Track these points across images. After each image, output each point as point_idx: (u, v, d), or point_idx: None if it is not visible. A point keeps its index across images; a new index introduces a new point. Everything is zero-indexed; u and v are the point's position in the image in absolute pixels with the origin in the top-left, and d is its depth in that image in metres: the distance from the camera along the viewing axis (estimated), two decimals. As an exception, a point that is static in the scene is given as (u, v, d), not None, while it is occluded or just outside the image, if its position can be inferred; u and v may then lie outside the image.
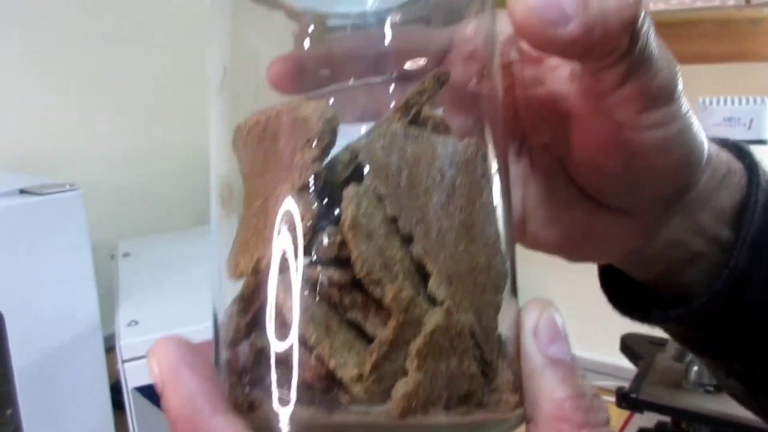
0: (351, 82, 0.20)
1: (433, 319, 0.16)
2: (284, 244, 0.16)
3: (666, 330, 0.30)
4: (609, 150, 0.23)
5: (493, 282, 0.18)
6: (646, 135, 0.22)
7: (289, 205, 0.16)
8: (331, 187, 0.17)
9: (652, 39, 0.20)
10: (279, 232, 0.16)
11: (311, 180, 0.16)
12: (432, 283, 0.17)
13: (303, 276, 0.16)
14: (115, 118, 1.18)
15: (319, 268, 0.16)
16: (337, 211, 0.16)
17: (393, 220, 0.17)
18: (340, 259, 0.16)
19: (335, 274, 0.16)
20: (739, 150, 0.28)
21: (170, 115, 1.28)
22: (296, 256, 0.16)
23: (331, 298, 0.16)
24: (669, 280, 0.28)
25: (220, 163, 0.20)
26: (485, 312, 0.18)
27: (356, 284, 0.16)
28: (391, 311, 0.16)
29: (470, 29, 0.20)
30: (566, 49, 0.19)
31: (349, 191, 0.16)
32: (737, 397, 0.32)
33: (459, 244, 0.17)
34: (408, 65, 0.19)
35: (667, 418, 0.75)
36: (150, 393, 0.64)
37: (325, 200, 0.17)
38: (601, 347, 0.89)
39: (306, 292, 0.16)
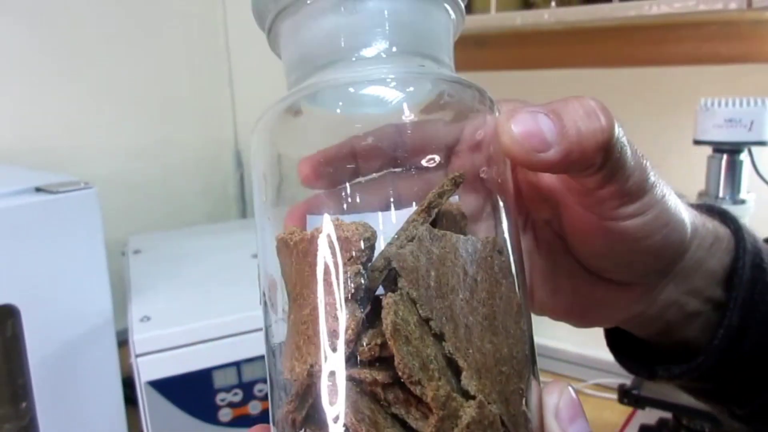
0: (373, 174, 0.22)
1: (468, 412, 0.18)
2: (333, 350, 0.18)
3: (670, 383, 0.31)
4: (596, 236, 0.25)
5: (516, 370, 0.20)
6: (626, 224, 0.25)
7: (337, 316, 0.18)
8: (368, 292, 0.19)
9: (625, 147, 0.22)
10: (329, 340, 0.18)
11: (354, 292, 0.18)
12: (464, 379, 0.19)
13: (350, 377, 0.18)
14: (124, 114, 1.19)
15: (365, 369, 0.18)
16: (375, 315, 0.18)
17: (426, 321, 0.19)
18: (382, 360, 0.18)
19: (379, 374, 0.18)
20: (724, 216, 0.30)
21: (180, 111, 1.30)
22: (345, 360, 0.18)
23: (376, 396, 0.18)
24: (669, 337, 0.29)
25: (266, 263, 0.22)
26: (512, 400, 0.20)
27: (398, 382, 0.18)
28: (432, 407, 0.18)
29: (477, 124, 0.22)
30: (549, 168, 0.21)
31: (388, 300, 0.18)
32: None
33: (484, 338, 0.19)
34: (423, 162, 0.21)
35: (668, 415, 0.76)
36: (162, 387, 0.65)
37: (367, 307, 0.18)
38: (603, 344, 0.90)
39: (354, 392, 0.18)
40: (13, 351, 0.66)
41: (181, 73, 1.29)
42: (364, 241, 0.18)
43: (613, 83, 0.85)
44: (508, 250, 0.21)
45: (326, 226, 0.19)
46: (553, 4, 0.73)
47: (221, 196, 1.41)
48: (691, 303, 0.29)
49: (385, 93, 0.21)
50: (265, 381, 0.69)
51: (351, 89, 0.21)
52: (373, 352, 0.18)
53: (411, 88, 0.21)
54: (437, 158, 0.21)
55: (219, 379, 0.68)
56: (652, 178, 0.24)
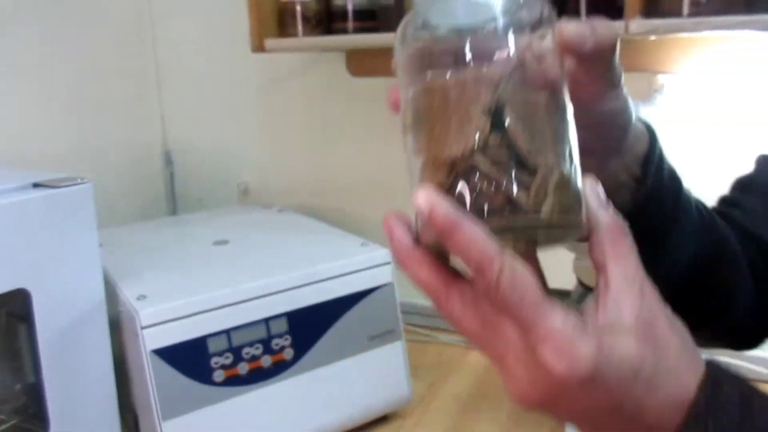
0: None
1: (557, 173, 0.31)
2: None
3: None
4: (591, 115, 0.39)
5: (576, 163, 0.33)
6: (610, 104, 0.40)
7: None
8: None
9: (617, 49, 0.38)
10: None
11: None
12: (552, 156, 0.31)
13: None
14: (51, 115, 1.22)
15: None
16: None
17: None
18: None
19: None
20: (643, 121, 0.47)
21: (107, 112, 1.34)
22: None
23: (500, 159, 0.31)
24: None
25: (407, 108, 0.34)
26: (576, 180, 0.33)
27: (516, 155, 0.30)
28: (538, 170, 0.31)
29: (544, 35, 0.35)
30: (587, 53, 0.35)
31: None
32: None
33: (563, 140, 0.33)
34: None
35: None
36: (165, 354, 0.75)
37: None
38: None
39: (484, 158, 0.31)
40: (26, 330, 0.73)
41: (109, 73, 1.34)
42: (497, 87, 0.31)
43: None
44: (564, 94, 0.34)
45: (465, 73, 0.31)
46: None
47: (151, 195, 1.46)
48: (622, 175, 0.44)
49: (487, 13, 0.33)
50: (251, 344, 0.81)
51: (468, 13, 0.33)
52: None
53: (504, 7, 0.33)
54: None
55: (213, 346, 0.78)
56: (622, 78, 0.39)
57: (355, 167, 1.29)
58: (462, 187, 0.30)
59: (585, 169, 0.34)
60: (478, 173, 0.30)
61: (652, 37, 0.88)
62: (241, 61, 1.29)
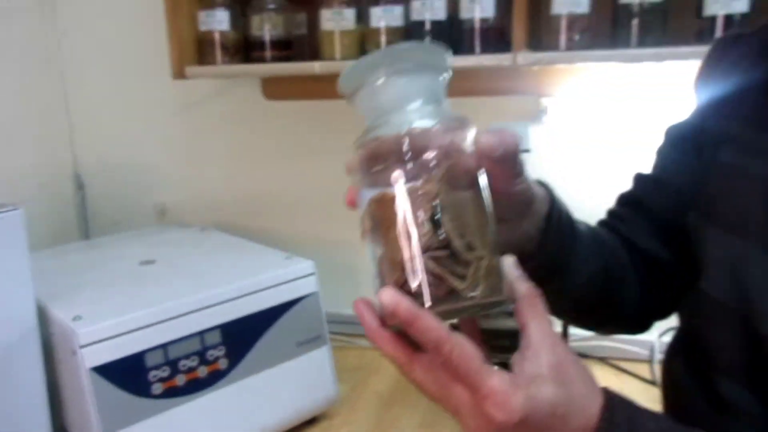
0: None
1: (484, 264, 0.40)
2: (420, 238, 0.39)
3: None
4: (504, 194, 0.47)
5: (500, 251, 0.42)
6: (518, 187, 0.49)
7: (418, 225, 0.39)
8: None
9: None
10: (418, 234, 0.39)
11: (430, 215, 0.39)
12: (481, 250, 0.40)
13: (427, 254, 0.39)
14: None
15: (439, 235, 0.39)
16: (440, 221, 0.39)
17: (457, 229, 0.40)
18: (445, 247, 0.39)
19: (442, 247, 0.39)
20: (543, 184, 0.56)
21: (16, 136, 1.32)
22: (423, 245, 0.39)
23: (441, 260, 0.39)
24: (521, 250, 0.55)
25: (365, 215, 0.42)
26: (499, 263, 0.42)
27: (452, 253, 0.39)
28: (468, 261, 0.39)
29: (464, 135, 0.43)
30: (497, 157, 0.43)
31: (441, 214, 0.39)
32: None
33: (488, 233, 0.41)
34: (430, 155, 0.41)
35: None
36: (103, 371, 0.78)
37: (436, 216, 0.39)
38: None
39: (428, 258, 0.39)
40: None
41: (17, 98, 1.32)
42: (436, 198, 0.40)
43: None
44: (483, 189, 0.42)
45: (401, 191, 0.40)
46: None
47: (62, 219, 1.45)
48: (531, 231, 0.54)
49: (419, 123, 0.42)
50: (187, 357, 0.85)
51: (403, 125, 0.42)
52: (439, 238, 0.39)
53: (432, 120, 0.42)
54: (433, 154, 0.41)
55: (150, 360, 0.82)
56: (525, 167, 0.49)
57: (274, 185, 1.35)
58: (418, 283, 0.39)
59: (504, 233, 0.44)
60: (425, 271, 0.39)
61: (536, 67, 1.01)
62: (157, 84, 1.33)
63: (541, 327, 0.42)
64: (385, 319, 0.41)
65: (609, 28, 0.92)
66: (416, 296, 0.39)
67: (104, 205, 1.46)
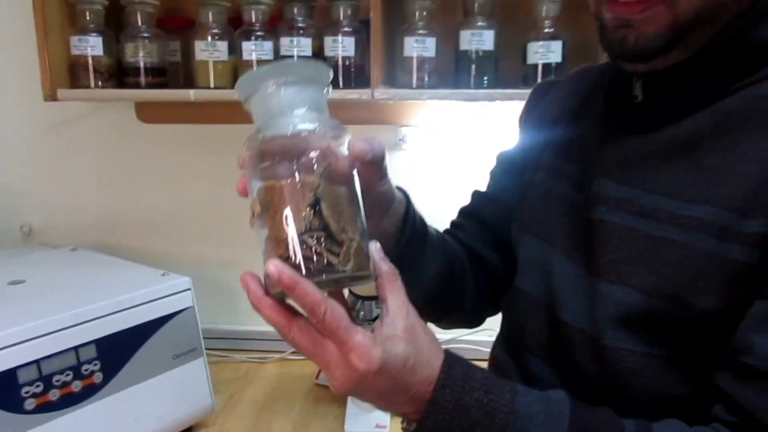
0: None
1: (354, 245, 0.47)
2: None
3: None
4: (372, 192, 0.57)
5: (367, 234, 0.50)
6: (383, 187, 0.59)
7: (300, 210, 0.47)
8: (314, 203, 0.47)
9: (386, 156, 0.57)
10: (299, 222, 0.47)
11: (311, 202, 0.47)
12: (351, 233, 0.47)
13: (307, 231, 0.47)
14: None
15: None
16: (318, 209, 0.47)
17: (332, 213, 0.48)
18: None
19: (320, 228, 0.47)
20: (402, 190, 0.66)
21: None
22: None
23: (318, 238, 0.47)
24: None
25: (255, 201, 0.49)
26: (367, 245, 0.49)
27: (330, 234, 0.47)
28: (342, 241, 0.47)
29: (343, 141, 0.51)
30: (368, 161, 0.52)
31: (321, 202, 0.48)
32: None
33: (357, 218, 0.49)
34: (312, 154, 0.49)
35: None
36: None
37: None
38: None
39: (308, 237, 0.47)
40: None
41: None
42: (316, 189, 0.47)
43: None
44: (355, 185, 0.50)
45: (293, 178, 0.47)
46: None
47: None
48: (391, 228, 0.64)
49: (303, 127, 0.49)
50: (61, 372, 0.88)
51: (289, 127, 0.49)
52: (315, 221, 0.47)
53: (314, 125, 0.50)
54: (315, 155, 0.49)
55: (22, 376, 0.84)
56: (388, 170, 0.58)
57: (147, 205, 1.38)
58: (298, 258, 0.47)
59: (370, 228, 0.52)
60: (306, 247, 0.47)
61: (391, 102, 1.15)
62: (26, 104, 1.32)
63: (397, 299, 0.51)
64: (269, 288, 0.48)
65: (453, 71, 1.07)
66: (297, 268, 0.46)
67: (-37, 226, 1.41)
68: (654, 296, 0.55)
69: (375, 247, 0.52)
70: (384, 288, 0.51)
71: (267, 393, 1.22)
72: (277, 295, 0.47)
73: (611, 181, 0.61)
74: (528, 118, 0.78)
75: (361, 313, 1.18)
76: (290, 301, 0.48)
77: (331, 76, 0.53)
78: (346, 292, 0.53)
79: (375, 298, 0.99)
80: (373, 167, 0.55)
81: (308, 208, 0.47)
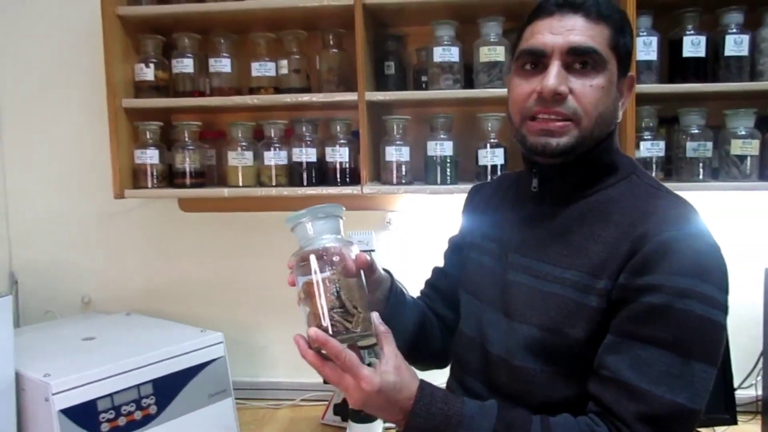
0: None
1: (362, 316, 0.78)
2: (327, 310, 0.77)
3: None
4: (371, 282, 0.89)
5: (367, 305, 0.81)
6: (376, 276, 0.91)
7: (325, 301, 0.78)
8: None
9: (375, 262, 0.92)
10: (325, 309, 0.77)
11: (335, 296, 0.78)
12: (362, 311, 0.79)
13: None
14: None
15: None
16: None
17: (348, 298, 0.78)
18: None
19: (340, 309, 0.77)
20: (387, 271, 0.98)
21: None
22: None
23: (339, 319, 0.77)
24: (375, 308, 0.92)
25: (300, 291, 0.80)
26: (369, 315, 0.79)
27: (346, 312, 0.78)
28: (354, 314, 0.78)
29: (353, 249, 0.82)
30: (365, 269, 0.85)
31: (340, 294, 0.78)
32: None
33: (363, 300, 0.80)
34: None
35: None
36: (68, 413, 1.08)
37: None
38: (306, 373, 1.57)
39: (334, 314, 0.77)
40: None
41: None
42: (336, 282, 0.78)
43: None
44: (362, 277, 0.81)
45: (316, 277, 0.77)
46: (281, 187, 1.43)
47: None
48: (381, 297, 0.94)
49: (327, 244, 0.80)
50: (127, 403, 1.17)
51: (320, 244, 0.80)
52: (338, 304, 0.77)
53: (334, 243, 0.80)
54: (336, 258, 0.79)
55: (101, 405, 1.13)
56: (378, 266, 0.91)
57: (185, 277, 1.70)
58: (327, 326, 0.76)
59: (370, 300, 0.82)
60: (332, 319, 0.76)
61: (377, 194, 1.47)
62: (87, 199, 1.67)
63: (390, 347, 0.80)
64: (311, 344, 0.77)
65: (423, 171, 1.40)
66: (327, 332, 0.76)
67: (35, 297, 1.73)
68: (545, 330, 0.84)
69: (375, 316, 0.81)
70: (381, 341, 0.80)
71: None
72: (316, 349, 0.77)
73: (518, 254, 0.91)
74: (466, 211, 1.09)
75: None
76: (323, 352, 0.76)
77: (344, 211, 0.84)
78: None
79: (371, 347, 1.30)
80: (369, 267, 0.87)
81: (332, 295, 0.77)
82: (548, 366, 0.84)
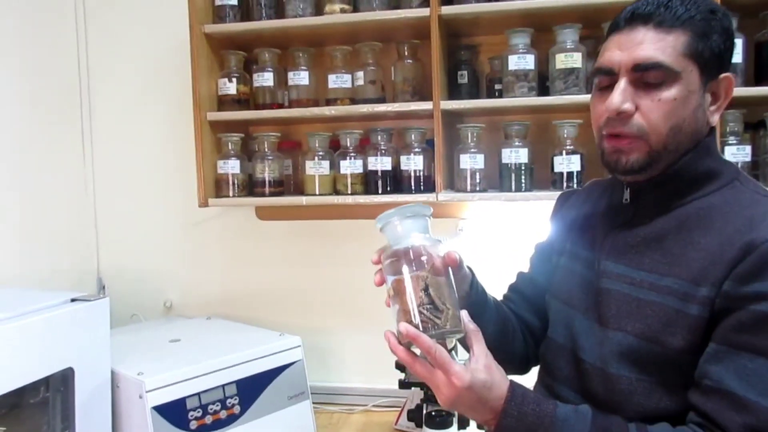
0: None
1: (451, 312, 0.79)
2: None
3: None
4: (457, 277, 0.90)
5: (457, 303, 0.82)
6: (462, 273, 0.92)
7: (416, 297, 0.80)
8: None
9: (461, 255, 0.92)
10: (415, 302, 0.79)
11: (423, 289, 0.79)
12: (450, 307, 0.80)
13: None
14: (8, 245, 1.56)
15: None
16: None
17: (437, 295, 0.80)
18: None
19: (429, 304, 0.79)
20: (470, 268, 0.98)
21: (52, 243, 1.68)
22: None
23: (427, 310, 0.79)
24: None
25: (390, 288, 0.82)
26: (458, 312, 0.81)
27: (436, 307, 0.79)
28: (442, 310, 0.79)
29: (440, 249, 0.83)
30: (453, 266, 0.85)
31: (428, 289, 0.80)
32: None
33: (452, 296, 0.81)
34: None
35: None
36: (160, 410, 1.14)
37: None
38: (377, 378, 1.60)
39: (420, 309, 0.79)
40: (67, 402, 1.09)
41: (57, 219, 1.71)
42: (426, 279, 0.79)
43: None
44: (450, 275, 0.82)
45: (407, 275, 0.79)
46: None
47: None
48: (463, 292, 0.94)
49: (416, 242, 0.82)
50: (213, 402, 1.22)
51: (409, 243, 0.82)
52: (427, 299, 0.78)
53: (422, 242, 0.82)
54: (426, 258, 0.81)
55: (189, 403, 1.18)
56: (464, 263, 0.93)
57: (262, 283, 1.76)
58: (417, 322, 0.78)
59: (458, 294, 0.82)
60: (421, 315, 0.78)
61: (452, 202, 1.49)
62: (170, 206, 1.75)
63: (480, 346, 0.81)
64: (401, 339, 0.78)
65: (497, 178, 1.41)
66: (417, 327, 0.77)
67: (121, 301, 1.82)
68: (642, 338, 0.82)
69: (464, 314, 0.82)
70: (471, 339, 0.81)
71: (355, 435, 1.52)
72: (406, 345, 0.78)
73: (611, 262, 0.89)
74: (554, 218, 1.08)
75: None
76: (414, 348, 0.79)
77: (431, 211, 0.85)
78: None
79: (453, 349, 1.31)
80: (458, 265, 0.87)
81: (422, 291, 0.78)
82: (645, 375, 0.82)
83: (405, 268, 0.79)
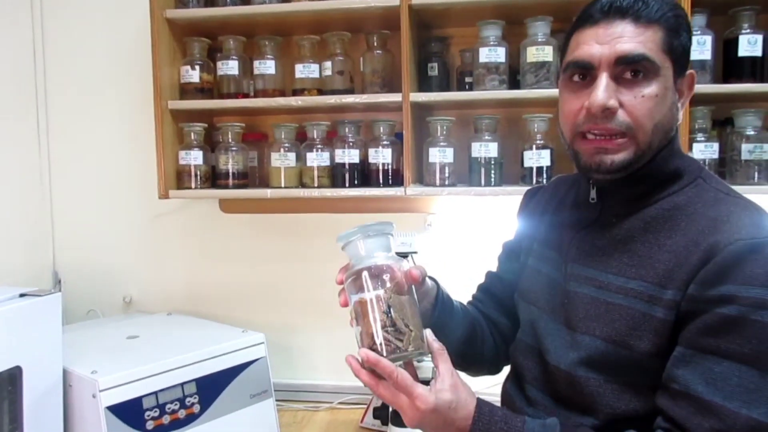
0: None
1: (414, 333, 0.77)
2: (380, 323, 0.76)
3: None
4: (420, 292, 0.89)
5: (421, 323, 0.80)
6: (425, 287, 0.91)
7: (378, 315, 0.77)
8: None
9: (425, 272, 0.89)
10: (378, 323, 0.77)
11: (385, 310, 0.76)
12: (413, 328, 0.78)
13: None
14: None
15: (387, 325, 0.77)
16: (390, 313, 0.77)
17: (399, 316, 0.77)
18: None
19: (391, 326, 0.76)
20: (433, 279, 0.96)
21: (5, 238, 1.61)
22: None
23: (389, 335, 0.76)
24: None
25: (352, 310, 0.79)
26: (422, 332, 0.79)
27: (396, 329, 0.76)
28: (404, 332, 0.77)
29: (402, 265, 0.81)
30: (415, 282, 0.84)
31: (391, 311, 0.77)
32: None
33: (414, 315, 0.79)
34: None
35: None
36: (115, 409, 1.09)
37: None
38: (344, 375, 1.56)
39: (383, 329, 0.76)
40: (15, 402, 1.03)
41: (12, 211, 1.64)
42: (388, 300, 0.77)
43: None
44: (413, 293, 0.81)
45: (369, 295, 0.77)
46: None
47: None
48: (428, 306, 0.92)
49: (378, 262, 0.79)
50: (171, 402, 1.17)
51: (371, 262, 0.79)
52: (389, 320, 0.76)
53: (384, 261, 0.79)
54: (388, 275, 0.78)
55: (146, 403, 1.13)
56: (427, 276, 0.89)
57: (225, 279, 1.71)
58: (379, 345, 0.75)
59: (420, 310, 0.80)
60: (383, 338, 0.75)
61: (420, 197, 1.46)
62: (130, 198, 1.69)
63: (445, 365, 0.79)
64: (363, 363, 0.76)
65: (467, 173, 1.39)
66: (379, 352, 0.75)
67: (79, 297, 1.75)
68: (609, 342, 0.81)
69: (428, 333, 0.80)
70: (436, 359, 0.79)
71: (319, 434, 1.48)
72: (369, 367, 0.76)
73: (578, 264, 0.88)
74: (521, 215, 1.07)
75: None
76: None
77: (394, 228, 0.83)
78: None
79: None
80: (421, 281, 0.84)
81: (383, 314, 0.76)
82: (613, 377, 0.81)
83: (366, 289, 0.77)
